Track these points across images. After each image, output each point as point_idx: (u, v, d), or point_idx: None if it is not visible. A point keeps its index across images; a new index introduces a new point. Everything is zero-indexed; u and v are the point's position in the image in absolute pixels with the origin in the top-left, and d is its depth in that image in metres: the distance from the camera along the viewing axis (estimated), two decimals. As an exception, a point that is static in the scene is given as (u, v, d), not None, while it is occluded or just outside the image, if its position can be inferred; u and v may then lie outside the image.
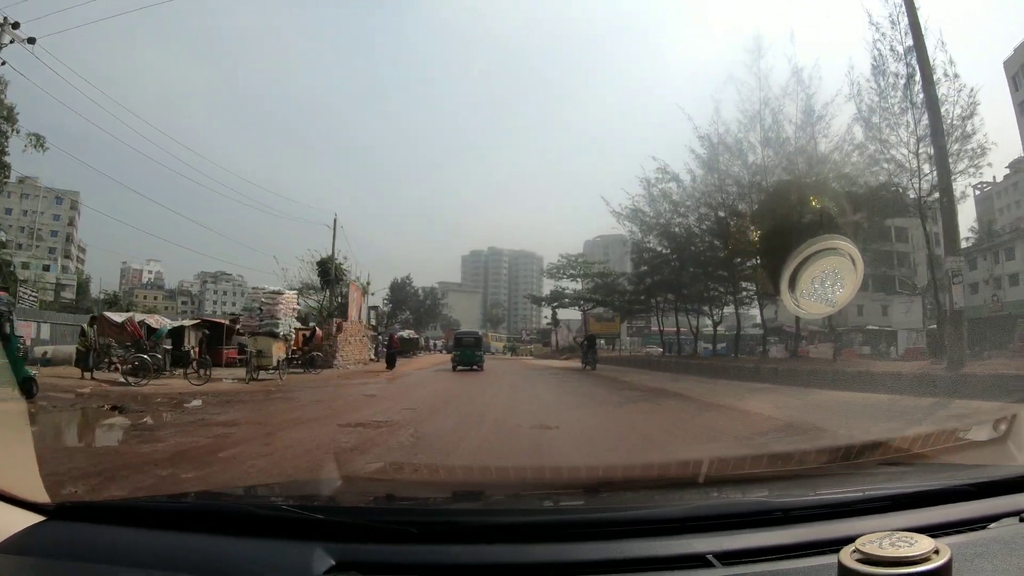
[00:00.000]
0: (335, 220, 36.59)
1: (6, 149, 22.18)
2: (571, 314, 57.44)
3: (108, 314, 20.40)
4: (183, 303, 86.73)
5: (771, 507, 1.31)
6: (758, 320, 29.66)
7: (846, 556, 0.89)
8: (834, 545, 0.98)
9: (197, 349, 19.44)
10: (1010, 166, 43.28)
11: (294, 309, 17.80)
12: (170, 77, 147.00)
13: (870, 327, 41.45)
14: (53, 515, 1.22)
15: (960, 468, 2.13)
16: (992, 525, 1.21)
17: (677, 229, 25.20)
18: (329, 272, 36.48)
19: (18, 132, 23.04)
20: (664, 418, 8.70)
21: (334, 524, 1.18)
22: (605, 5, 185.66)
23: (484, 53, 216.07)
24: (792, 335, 34.57)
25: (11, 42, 14.36)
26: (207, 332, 20.32)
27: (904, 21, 15.02)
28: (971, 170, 16.02)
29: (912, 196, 17.40)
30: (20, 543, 1.13)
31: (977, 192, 22.21)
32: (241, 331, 17.86)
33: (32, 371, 11.10)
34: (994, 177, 36.37)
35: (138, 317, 19.83)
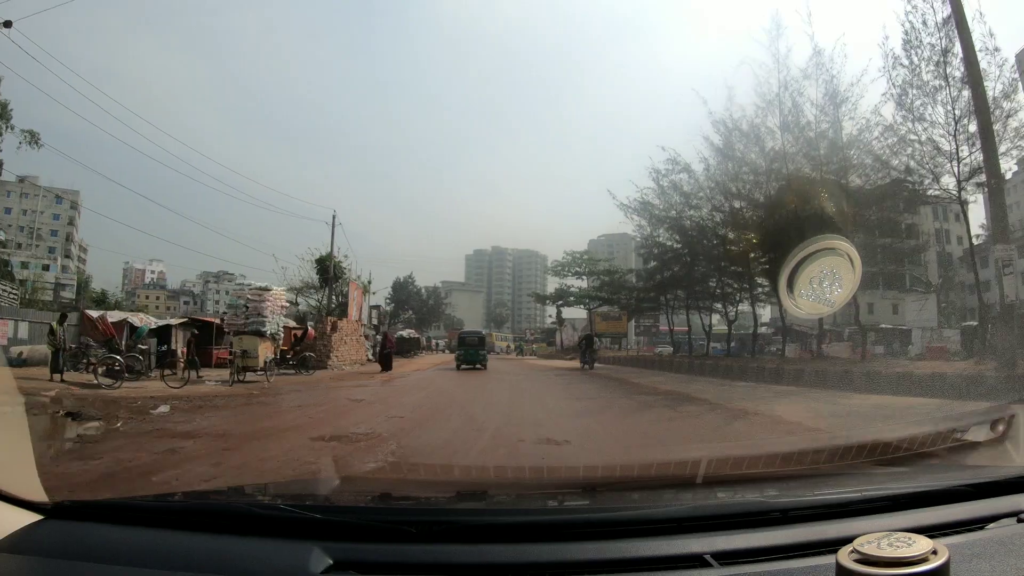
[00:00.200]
0: (333, 217, 35.78)
1: None
2: (576, 313, 56.23)
3: (89, 312, 19.51)
4: (185, 303, 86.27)
5: (769, 507, 1.30)
6: (763, 319, 28.61)
7: (844, 556, 0.88)
8: (832, 545, 0.98)
9: (185, 349, 18.56)
10: (1020, 162, 41.74)
11: (283, 307, 16.68)
12: (172, 77, 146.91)
13: (884, 325, 40.25)
14: (51, 514, 1.22)
15: (958, 469, 2.17)
16: (990, 526, 1.20)
17: (688, 222, 23.95)
18: (328, 270, 35.62)
19: (12, 129, 22.48)
20: (690, 428, 7.52)
21: (332, 523, 1.18)
22: (607, 1, 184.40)
23: (486, 51, 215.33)
24: (804, 334, 33.44)
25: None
26: (196, 331, 19.35)
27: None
28: (1014, 152, 14.67)
29: (939, 184, 16.19)
30: (18, 542, 1.13)
31: (983, 190, 21.19)
32: (226, 330, 16.81)
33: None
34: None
35: (113, 315, 18.96)
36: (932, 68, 15.09)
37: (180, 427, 7.83)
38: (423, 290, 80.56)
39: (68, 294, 54.97)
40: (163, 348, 14.84)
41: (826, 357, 20.82)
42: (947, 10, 13.45)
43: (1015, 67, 14.77)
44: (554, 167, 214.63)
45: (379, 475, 3.48)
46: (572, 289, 44.79)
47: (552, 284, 51.63)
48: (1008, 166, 16.10)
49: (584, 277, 44.68)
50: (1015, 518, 1.23)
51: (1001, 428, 2.57)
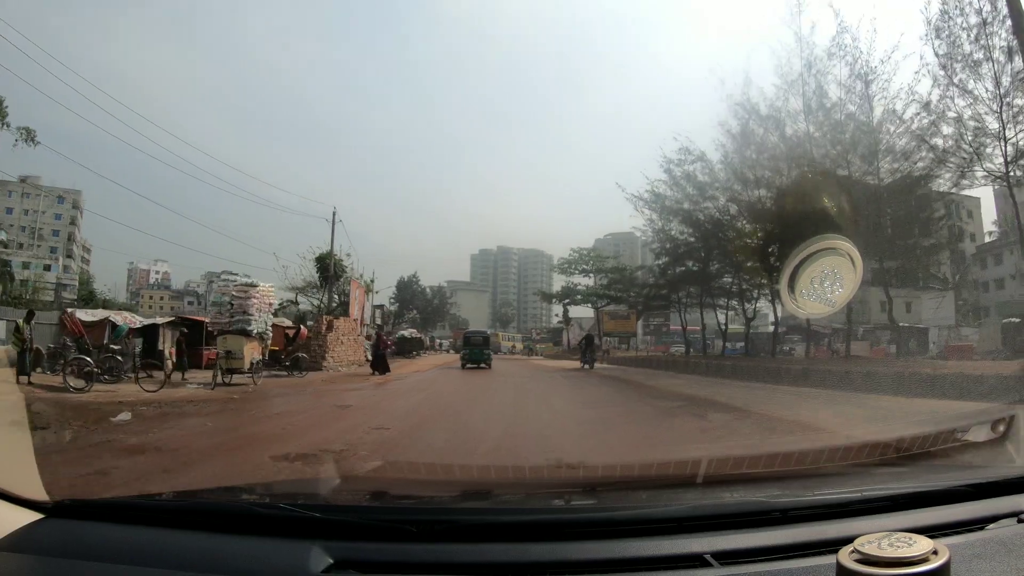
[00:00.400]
0: (334, 213, 34.87)
1: None
2: (583, 312, 54.93)
3: (70, 310, 18.54)
4: (189, 303, 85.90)
5: (769, 507, 1.30)
6: (770, 317, 27.11)
7: (844, 556, 0.88)
8: (832, 545, 0.98)
9: (173, 349, 17.58)
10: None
11: (270, 304, 15.57)
12: (174, 78, 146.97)
13: (901, 324, 38.73)
14: (52, 513, 1.23)
15: (958, 469, 2.27)
16: (990, 526, 1.20)
17: (702, 215, 22.63)
18: (328, 268, 34.65)
19: (8, 126, 21.87)
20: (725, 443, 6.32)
21: (332, 523, 1.17)
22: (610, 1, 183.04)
23: (489, 51, 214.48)
24: (817, 333, 31.99)
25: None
26: (184, 331, 18.35)
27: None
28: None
29: (983, 166, 14.84)
30: (19, 541, 1.13)
31: (996, 187, 19.89)
32: (210, 329, 15.76)
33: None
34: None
35: (97, 314, 17.97)
36: (975, 39, 13.77)
37: (132, 439, 6.88)
38: (428, 290, 79.50)
39: (70, 294, 54.45)
40: (138, 348, 13.75)
41: (852, 357, 19.44)
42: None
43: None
44: (559, 167, 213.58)
45: (379, 474, 3.41)
46: (579, 287, 43.51)
47: (558, 283, 50.37)
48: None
49: (591, 275, 43.41)
50: (1015, 518, 1.22)
51: (1002, 428, 2.46)
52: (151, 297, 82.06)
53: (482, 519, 1.32)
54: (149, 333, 19.02)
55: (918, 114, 16.34)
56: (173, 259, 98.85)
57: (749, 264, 21.75)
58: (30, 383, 12.03)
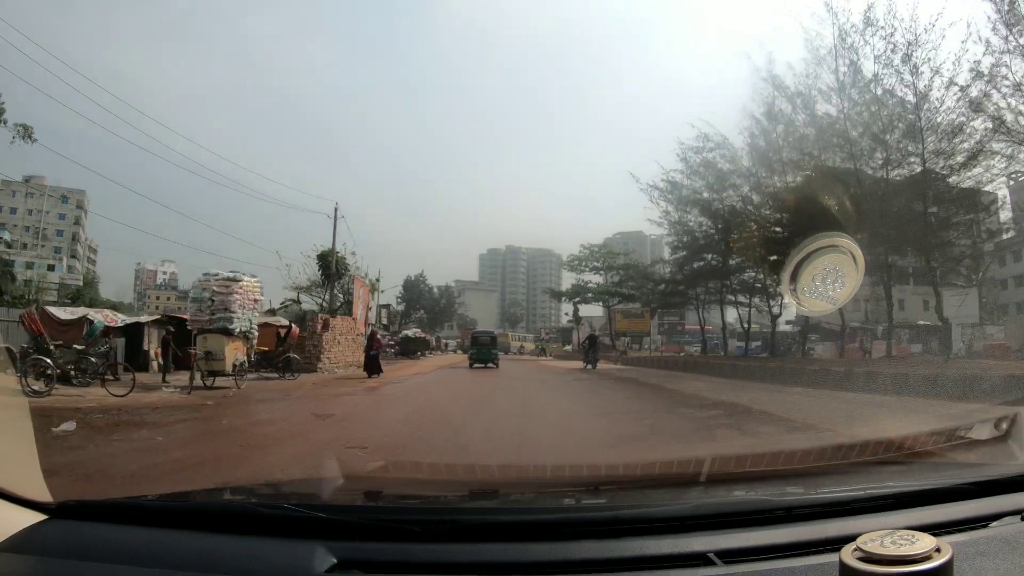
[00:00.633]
0: (336, 209, 33.75)
1: None
2: (593, 311, 53.33)
3: (49, 308, 17.43)
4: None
5: (772, 505, 1.30)
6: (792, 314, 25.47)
7: (847, 554, 0.88)
8: (835, 543, 0.97)
9: (159, 350, 16.42)
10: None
11: (256, 300, 14.28)
12: (181, 80, 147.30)
13: (922, 322, 37.20)
14: (55, 514, 1.22)
15: (961, 467, 2.22)
16: (993, 524, 1.19)
17: (723, 205, 21.06)
18: (330, 266, 33.50)
19: (5, 123, 21.28)
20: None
21: (336, 523, 1.17)
22: (618, 3, 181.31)
23: (497, 52, 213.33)
24: (832, 332, 30.27)
25: None
26: (171, 329, 17.17)
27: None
28: None
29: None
30: (22, 542, 1.12)
31: (1011, 182, 18.42)
32: (189, 327, 14.53)
33: None
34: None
35: (77, 312, 16.84)
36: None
37: (54, 457, 5.62)
38: (435, 289, 78.32)
39: (91, 296, 53.94)
40: (105, 348, 12.55)
41: (896, 357, 17.82)
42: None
43: None
44: (568, 166, 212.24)
45: (383, 474, 3.11)
46: (590, 285, 41.90)
47: (567, 281, 48.76)
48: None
49: (602, 272, 41.81)
50: (1019, 516, 1.22)
51: (1005, 426, 2.33)
52: (158, 297, 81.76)
53: (486, 519, 1.30)
54: (134, 332, 17.96)
55: (968, 86, 14.71)
56: (181, 260, 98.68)
57: (774, 258, 20.18)
58: (-12, 386, 10.87)
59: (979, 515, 1.22)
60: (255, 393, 12.67)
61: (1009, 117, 13.77)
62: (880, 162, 17.62)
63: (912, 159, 16.95)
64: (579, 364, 26.33)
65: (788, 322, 29.80)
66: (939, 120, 15.64)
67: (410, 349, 33.86)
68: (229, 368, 13.40)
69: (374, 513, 1.37)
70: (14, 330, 15.28)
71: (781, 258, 19.76)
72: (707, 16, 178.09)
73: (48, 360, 11.10)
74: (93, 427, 7.69)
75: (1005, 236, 21.26)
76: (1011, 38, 12.81)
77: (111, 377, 11.60)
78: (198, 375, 13.20)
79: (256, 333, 14.55)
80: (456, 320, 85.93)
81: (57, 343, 13.47)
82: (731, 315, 26.19)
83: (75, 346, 12.43)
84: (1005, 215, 17.88)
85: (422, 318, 71.08)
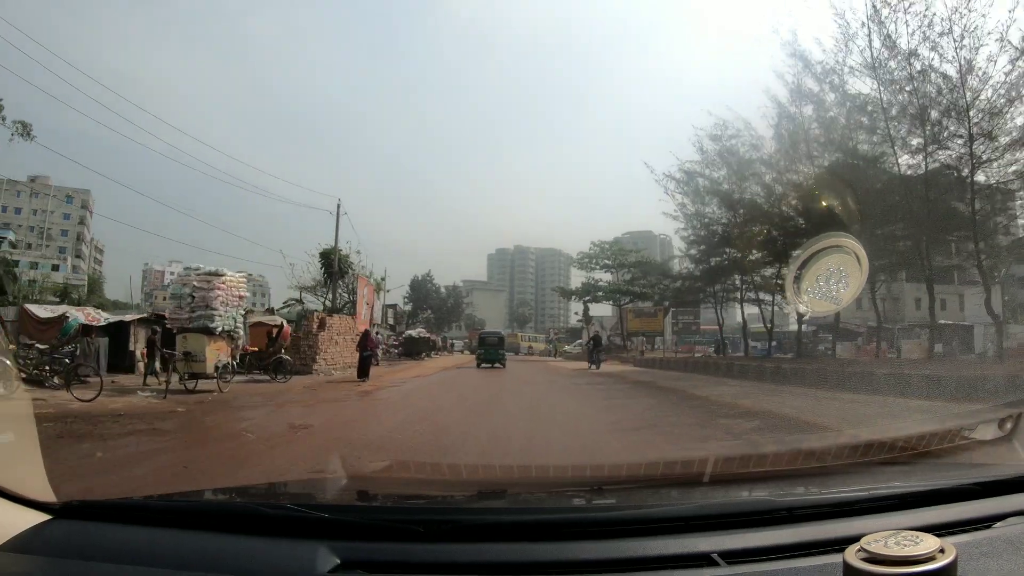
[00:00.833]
0: (338, 206, 32.70)
1: None
2: (603, 310, 51.87)
3: (30, 307, 16.47)
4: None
5: (776, 506, 1.30)
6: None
7: (851, 555, 0.88)
8: (839, 544, 0.97)
9: (145, 350, 15.39)
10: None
11: (241, 297, 13.13)
12: (188, 81, 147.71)
13: (943, 321, 35.57)
14: (59, 514, 1.21)
15: (966, 467, 2.23)
16: (998, 524, 1.18)
17: (745, 195, 19.61)
18: (332, 264, 32.45)
19: (4, 120, 20.75)
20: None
21: (339, 523, 1.16)
22: (626, 3, 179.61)
23: (504, 53, 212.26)
24: (850, 331, 28.71)
25: None
26: (157, 329, 16.13)
27: None
28: None
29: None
30: (26, 542, 1.12)
31: None
32: (168, 326, 13.44)
33: None
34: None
35: (58, 310, 15.86)
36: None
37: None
38: (443, 289, 77.17)
39: (78, 295, 53.45)
40: (71, 348, 11.47)
41: (934, 358, 16.33)
42: None
43: None
44: (576, 166, 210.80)
45: (386, 474, 3.06)
46: (600, 283, 40.43)
47: (577, 279, 47.34)
48: None
49: (613, 270, 40.37)
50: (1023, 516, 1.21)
51: (1009, 426, 2.36)
52: (164, 298, 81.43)
53: (490, 519, 1.28)
54: (120, 332, 16.96)
55: (1018, 58, 13.23)
56: (188, 260, 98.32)
57: (797, 252, 18.76)
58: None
59: (983, 515, 1.20)
60: (237, 398, 11.55)
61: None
62: (914, 147, 16.15)
63: (954, 141, 15.43)
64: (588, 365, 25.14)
65: (803, 322, 28.31)
66: (985, 98, 14.15)
67: (414, 350, 32.64)
68: (210, 370, 12.29)
69: (377, 513, 1.37)
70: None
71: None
72: (716, 10, 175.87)
73: (7, 360, 10.02)
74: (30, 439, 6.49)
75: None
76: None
77: (77, 380, 10.55)
78: (175, 378, 12.16)
79: (242, 333, 13.42)
80: (464, 320, 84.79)
81: (28, 343, 12.55)
82: (753, 311, 24.69)
83: (38, 345, 11.38)
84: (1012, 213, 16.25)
85: (429, 318, 70.02)
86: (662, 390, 12.90)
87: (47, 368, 11.59)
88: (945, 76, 14.55)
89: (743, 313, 24.06)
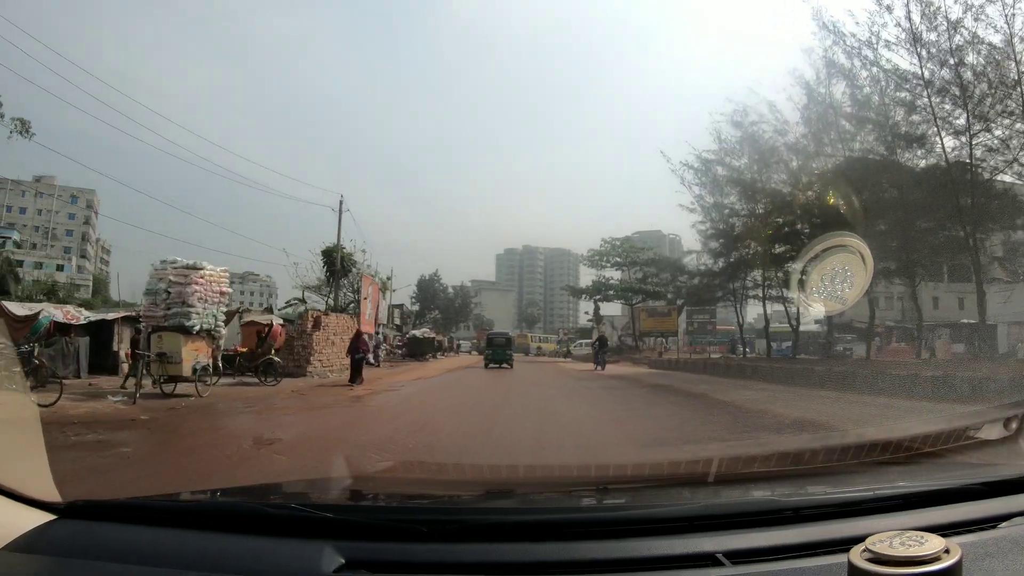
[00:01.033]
0: (340, 202, 31.74)
1: None
2: (612, 309, 50.44)
3: (6, 304, 15.55)
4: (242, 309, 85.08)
5: (781, 506, 1.29)
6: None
7: (856, 555, 0.87)
8: (844, 544, 0.97)
9: (129, 350, 14.42)
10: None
11: (222, 293, 12.02)
12: (195, 82, 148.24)
13: (966, 320, 34.13)
14: (64, 514, 1.21)
15: (971, 467, 2.17)
16: (1003, 524, 1.17)
17: (766, 185, 18.23)
18: (335, 262, 31.45)
19: (3, 117, 20.25)
20: None
21: (344, 523, 1.16)
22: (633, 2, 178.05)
23: (511, 53, 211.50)
24: (865, 331, 27.19)
25: None
26: (141, 328, 15.15)
27: None
28: None
29: None
30: (31, 542, 1.11)
31: None
32: (141, 324, 12.40)
33: None
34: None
35: (16, 307, 14.89)
36: None
37: None
38: (450, 289, 76.11)
39: (83, 295, 53.10)
40: (28, 349, 10.41)
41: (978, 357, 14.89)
42: None
43: None
44: (585, 165, 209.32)
45: (391, 474, 3.14)
46: (611, 281, 38.97)
47: (586, 278, 45.91)
48: None
49: (625, 268, 38.94)
50: None
51: (1014, 426, 2.34)
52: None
53: (494, 519, 1.27)
54: (103, 331, 15.99)
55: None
56: (196, 260, 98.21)
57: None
58: None
59: (988, 516, 1.19)
60: (214, 403, 10.49)
61: None
62: (957, 127, 14.73)
63: (1001, 120, 14.01)
64: (607, 367, 24.04)
65: (816, 321, 26.93)
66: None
67: (418, 351, 31.48)
68: (187, 372, 11.20)
69: (381, 513, 1.37)
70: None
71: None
72: (729, 24, 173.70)
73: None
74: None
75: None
76: None
77: (35, 383, 9.52)
78: (148, 381, 11.11)
79: (223, 331, 12.34)
80: (472, 320, 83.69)
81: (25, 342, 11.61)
82: (753, 313, 23.29)
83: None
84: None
85: (437, 318, 69.00)
86: (684, 395, 11.60)
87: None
88: (992, 47, 13.14)
89: (765, 311, 22.62)
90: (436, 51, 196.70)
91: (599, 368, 21.85)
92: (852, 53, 15.16)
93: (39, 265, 55.26)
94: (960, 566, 0.83)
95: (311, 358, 16.95)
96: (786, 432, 6.68)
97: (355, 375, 13.95)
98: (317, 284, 35.67)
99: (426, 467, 3.10)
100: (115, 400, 10.47)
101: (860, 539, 0.90)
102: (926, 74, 14.42)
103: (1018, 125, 13.84)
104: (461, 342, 59.09)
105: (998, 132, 14.23)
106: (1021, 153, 14.19)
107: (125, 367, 14.68)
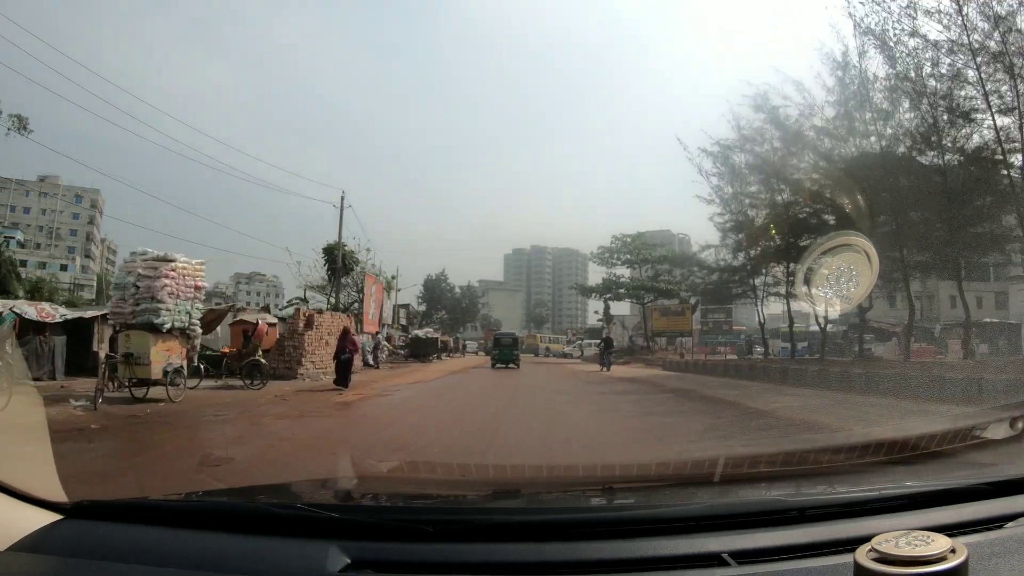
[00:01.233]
0: (342, 199, 30.67)
1: None
2: (621, 308, 49.03)
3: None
4: (217, 304, 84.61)
5: (786, 506, 1.29)
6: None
7: (862, 555, 0.87)
8: (850, 544, 0.96)
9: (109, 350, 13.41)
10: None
11: (197, 288, 10.89)
12: (203, 83, 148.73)
13: (989, 319, 32.93)
14: (70, 514, 1.21)
15: (976, 466, 2.15)
16: (1009, 524, 1.17)
17: (797, 172, 16.86)
18: (336, 259, 30.42)
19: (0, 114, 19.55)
20: None
21: (349, 523, 1.16)
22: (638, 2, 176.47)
23: (517, 54, 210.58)
24: (882, 331, 25.67)
25: None
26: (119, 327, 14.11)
27: None
28: None
29: None
30: (38, 542, 1.11)
31: None
32: (109, 321, 11.34)
33: None
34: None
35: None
36: None
37: None
38: (457, 288, 75.02)
39: (88, 294, 52.61)
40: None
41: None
42: None
43: None
44: (593, 165, 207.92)
45: (396, 474, 3.01)
46: (622, 280, 37.52)
47: (595, 277, 44.44)
48: None
49: (636, 266, 37.53)
50: None
51: (1020, 426, 2.43)
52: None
53: (499, 519, 1.27)
54: (81, 329, 15.00)
55: None
56: (206, 261, 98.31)
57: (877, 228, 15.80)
58: None
59: (995, 515, 1.19)
60: (183, 410, 9.40)
61: None
62: (1006, 104, 13.30)
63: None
64: (617, 369, 22.84)
65: (831, 321, 25.50)
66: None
67: (421, 351, 30.31)
68: (156, 374, 10.10)
69: (387, 513, 1.37)
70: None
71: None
72: (735, 23, 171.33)
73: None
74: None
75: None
76: None
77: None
78: (111, 384, 10.03)
79: (199, 330, 11.21)
80: (480, 321, 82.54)
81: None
82: (767, 311, 21.84)
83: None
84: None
85: (443, 319, 67.93)
86: (711, 402, 10.27)
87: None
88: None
89: (789, 309, 21.23)
90: (442, 50, 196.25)
91: (604, 369, 21.86)
92: (888, 21, 13.80)
93: (43, 265, 54.88)
94: (966, 566, 0.83)
95: (302, 359, 15.82)
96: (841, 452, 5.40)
97: (342, 378, 12.67)
98: (321, 284, 34.79)
99: (431, 467, 3.05)
100: (77, 405, 9.40)
101: (866, 539, 0.89)
102: (972, 43, 13.01)
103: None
104: (467, 343, 57.82)
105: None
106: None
107: (103, 369, 13.70)
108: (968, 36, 12.97)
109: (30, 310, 13.78)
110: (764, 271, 20.74)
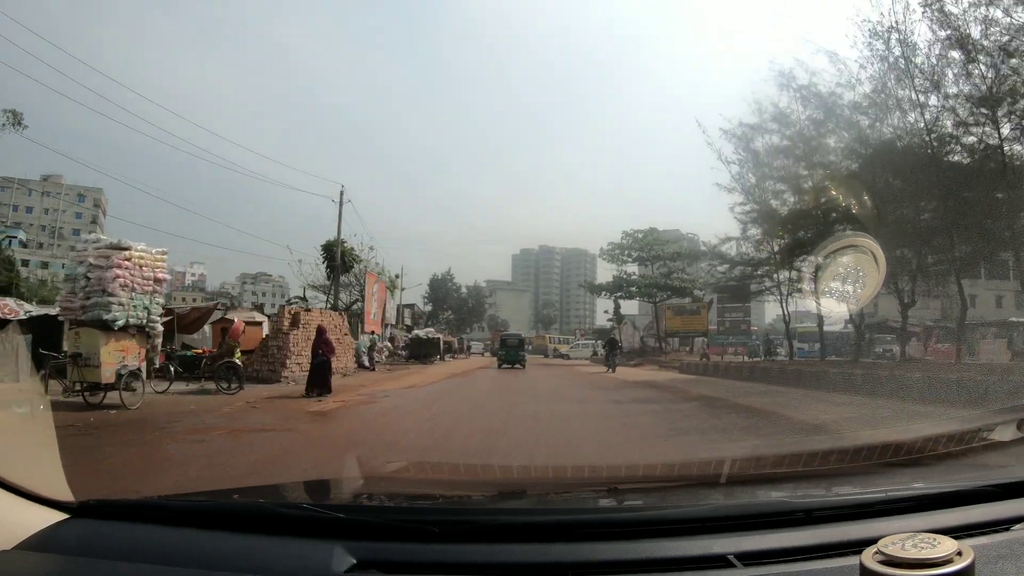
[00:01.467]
0: (341, 194, 29.52)
1: None
2: (629, 308, 47.38)
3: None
4: (222, 304, 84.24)
5: (793, 507, 1.28)
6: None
7: (868, 557, 0.87)
8: (856, 546, 0.96)
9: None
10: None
11: (157, 280, 9.61)
12: (208, 85, 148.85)
13: (1014, 319, 31.44)
14: (76, 513, 1.21)
15: (983, 468, 2.13)
16: (1016, 527, 1.16)
17: (830, 154, 15.30)
18: (335, 257, 29.23)
19: None
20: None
21: (355, 523, 1.17)
22: (642, 4, 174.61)
23: (522, 55, 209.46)
24: (899, 331, 24.05)
25: None
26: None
27: None
28: None
29: None
30: (44, 541, 1.11)
31: None
32: (59, 318, 10.10)
33: None
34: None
35: None
36: None
37: None
38: (463, 288, 73.75)
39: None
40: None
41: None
42: None
43: None
44: (601, 165, 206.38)
45: (402, 475, 2.85)
46: (633, 277, 35.92)
47: (604, 275, 42.85)
48: None
49: (647, 263, 35.95)
50: None
51: None
52: (183, 300, 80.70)
53: (505, 519, 1.27)
54: (48, 327, 13.85)
55: None
56: (209, 261, 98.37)
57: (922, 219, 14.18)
58: None
59: (1002, 518, 1.18)
60: (134, 419, 8.21)
61: None
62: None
63: None
64: (628, 372, 21.38)
65: (847, 321, 23.83)
66: None
67: (421, 352, 28.96)
68: (108, 377, 8.83)
69: (393, 514, 1.36)
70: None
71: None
72: (739, 30, 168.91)
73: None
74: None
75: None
76: None
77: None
78: (48, 385, 8.79)
79: (160, 328, 9.90)
80: (487, 321, 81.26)
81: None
82: (820, 307, 20.13)
83: None
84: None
85: (449, 319, 66.70)
86: (746, 412, 8.80)
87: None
88: None
89: (819, 306, 19.58)
90: (448, 50, 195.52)
91: (610, 371, 21.74)
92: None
93: (45, 265, 54.31)
94: (973, 568, 0.83)
95: (287, 361, 14.51)
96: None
97: (317, 383, 11.14)
98: (323, 283, 33.60)
99: (437, 468, 2.92)
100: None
101: (872, 541, 0.89)
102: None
103: None
104: (472, 343, 56.38)
105: None
106: None
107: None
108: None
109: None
110: (791, 265, 19.07)
